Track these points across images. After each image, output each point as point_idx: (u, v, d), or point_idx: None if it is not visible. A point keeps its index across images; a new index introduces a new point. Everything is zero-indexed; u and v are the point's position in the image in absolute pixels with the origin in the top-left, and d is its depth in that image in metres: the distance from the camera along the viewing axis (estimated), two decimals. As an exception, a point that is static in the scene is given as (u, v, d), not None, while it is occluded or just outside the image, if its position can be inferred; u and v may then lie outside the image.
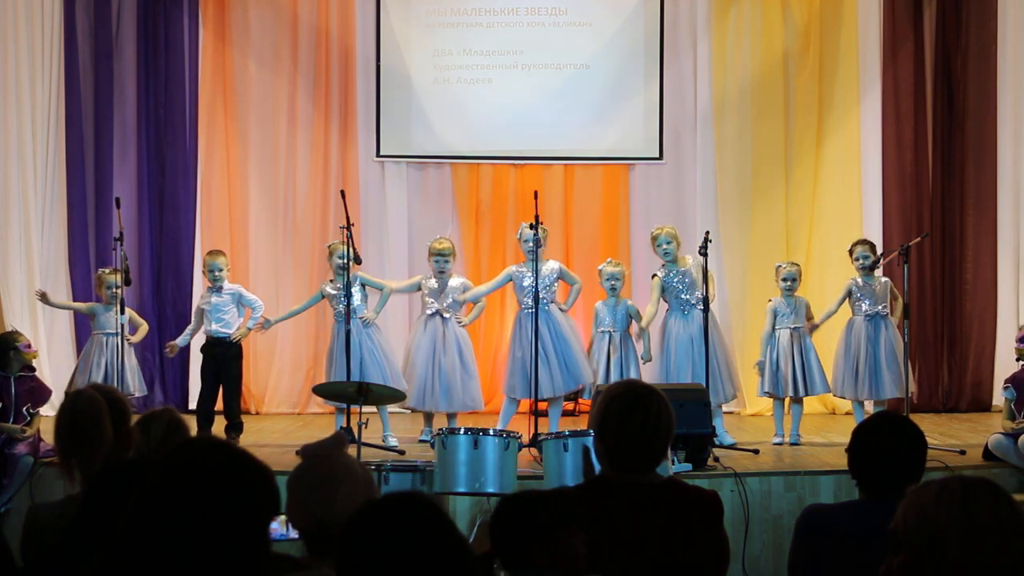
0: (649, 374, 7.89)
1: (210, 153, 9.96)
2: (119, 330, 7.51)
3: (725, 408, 8.02)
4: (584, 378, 7.77)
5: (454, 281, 7.98)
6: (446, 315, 7.89)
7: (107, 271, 7.89)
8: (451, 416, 7.91)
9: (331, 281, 7.93)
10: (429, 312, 7.90)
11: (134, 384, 7.77)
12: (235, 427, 7.91)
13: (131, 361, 7.81)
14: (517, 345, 7.81)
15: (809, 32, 10.06)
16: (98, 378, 7.50)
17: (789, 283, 7.95)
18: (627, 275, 8.30)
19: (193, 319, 8.28)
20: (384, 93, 10.06)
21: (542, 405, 7.83)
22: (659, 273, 7.93)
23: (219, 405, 8.04)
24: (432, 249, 8.00)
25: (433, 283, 7.94)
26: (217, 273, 8.00)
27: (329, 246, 8.02)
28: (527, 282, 7.76)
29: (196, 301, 8.71)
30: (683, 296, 7.80)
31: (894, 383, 7.81)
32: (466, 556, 1.89)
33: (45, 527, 3.19)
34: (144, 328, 8.03)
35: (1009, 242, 9.95)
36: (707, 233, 7.52)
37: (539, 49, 10.14)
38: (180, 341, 8.19)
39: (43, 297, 8.10)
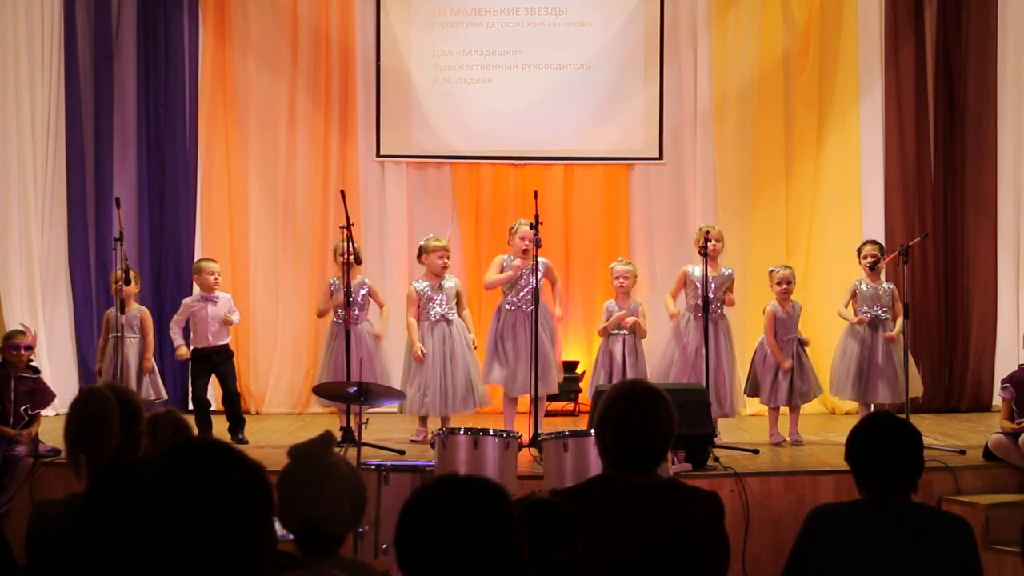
0: (658, 375, 7.86)
1: (210, 153, 9.95)
2: (119, 331, 7.50)
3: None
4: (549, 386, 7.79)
5: (448, 283, 7.94)
6: (451, 318, 7.86)
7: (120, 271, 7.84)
8: (445, 416, 7.88)
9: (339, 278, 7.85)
10: (434, 319, 7.85)
11: (155, 391, 7.83)
12: (240, 425, 7.98)
13: (147, 366, 7.85)
14: (497, 337, 7.83)
15: (809, 32, 10.05)
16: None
17: (785, 286, 7.91)
18: (637, 274, 8.28)
19: (180, 324, 8.13)
20: (384, 93, 10.06)
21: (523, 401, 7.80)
22: (690, 270, 7.81)
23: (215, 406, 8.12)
24: (430, 247, 7.93)
25: (432, 289, 7.87)
26: (218, 276, 8.06)
27: (333, 249, 7.99)
28: (523, 280, 7.74)
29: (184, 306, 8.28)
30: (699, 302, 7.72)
31: (888, 388, 7.81)
32: (518, 551, 1.90)
33: (49, 524, 3.20)
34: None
35: (1009, 242, 9.94)
36: (707, 233, 7.51)
37: (539, 49, 10.14)
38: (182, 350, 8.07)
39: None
